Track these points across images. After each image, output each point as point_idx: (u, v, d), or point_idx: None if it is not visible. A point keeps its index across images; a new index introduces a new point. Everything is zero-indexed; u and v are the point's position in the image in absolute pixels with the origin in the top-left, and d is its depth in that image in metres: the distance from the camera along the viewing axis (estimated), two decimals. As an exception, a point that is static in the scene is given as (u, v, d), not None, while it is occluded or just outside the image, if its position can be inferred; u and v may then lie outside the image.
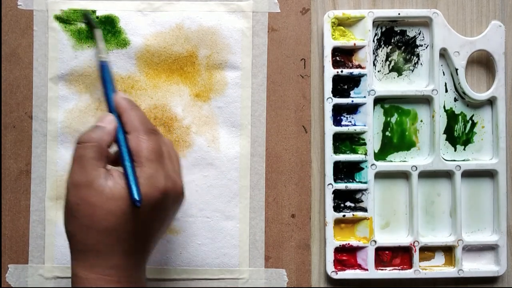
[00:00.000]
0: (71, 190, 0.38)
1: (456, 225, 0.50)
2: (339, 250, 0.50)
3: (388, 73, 0.52)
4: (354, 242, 0.50)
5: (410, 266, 0.50)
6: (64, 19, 0.50)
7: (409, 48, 0.52)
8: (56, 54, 0.50)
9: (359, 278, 0.50)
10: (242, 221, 0.50)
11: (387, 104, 0.52)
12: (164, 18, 0.50)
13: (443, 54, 0.51)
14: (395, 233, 0.51)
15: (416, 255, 0.50)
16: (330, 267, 0.50)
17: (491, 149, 0.52)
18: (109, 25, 0.50)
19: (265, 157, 0.50)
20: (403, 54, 0.52)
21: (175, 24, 0.50)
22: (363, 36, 0.51)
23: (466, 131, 0.52)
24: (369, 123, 0.50)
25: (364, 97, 0.50)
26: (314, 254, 0.51)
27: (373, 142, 0.51)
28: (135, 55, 0.50)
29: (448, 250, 0.51)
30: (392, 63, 0.52)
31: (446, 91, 0.52)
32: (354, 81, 0.51)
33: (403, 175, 0.51)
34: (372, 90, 0.50)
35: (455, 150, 0.52)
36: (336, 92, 0.51)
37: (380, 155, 0.51)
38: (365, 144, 0.51)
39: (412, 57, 0.52)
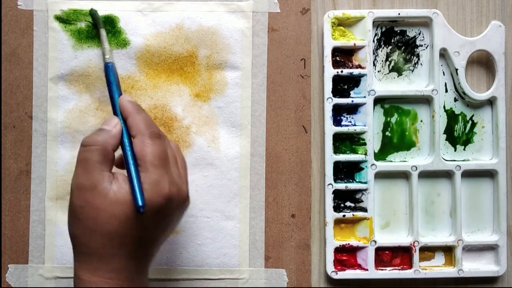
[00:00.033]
0: (75, 193, 0.38)
1: (456, 225, 0.50)
2: (339, 250, 0.50)
3: (388, 73, 0.52)
4: (354, 242, 0.50)
5: (410, 266, 0.50)
6: (64, 19, 0.50)
7: (409, 48, 0.52)
8: (56, 54, 0.50)
9: (359, 278, 0.50)
10: (242, 221, 0.50)
11: (387, 104, 0.52)
12: (164, 18, 0.50)
13: (443, 54, 0.51)
14: (395, 233, 0.51)
15: (416, 255, 0.50)
16: (330, 267, 0.50)
17: (491, 149, 0.52)
18: (109, 25, 0.50)
19: (265, 157, 0.50)
20: (403, 54, 0.52)
21: (175, 24, 0.50)
22: (363, 36, 0.51)
23: (466, 131, 0.52)
24: (369, 123, 0.50)
25: (364, 97, 0.50)
26: (314, 254, 0.51)
27: (373, 142, 0.51)
28: (135, 55, 0.50)
29: (448, 250, 0.51)
30: (392, 63, 0.52)
31: (446, 91, 0.52)
32: (354, 81, 0.51)
33: (403, 175, 0.51)
34: (372, 90, 0.50)
35: (455, 150, 0.52)
36: (336, 92, 0.51)
37: (380, 155, 0.51)
38: (365, 144, 0.51)
39: (412, 57, 0.52)
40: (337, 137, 0.51)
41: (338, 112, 0.51)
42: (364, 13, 0.50)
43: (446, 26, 0.51)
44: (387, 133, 0.52)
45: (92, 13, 0.49)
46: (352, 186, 0.50)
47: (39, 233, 0.50)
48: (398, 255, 0.51)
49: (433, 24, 0.51)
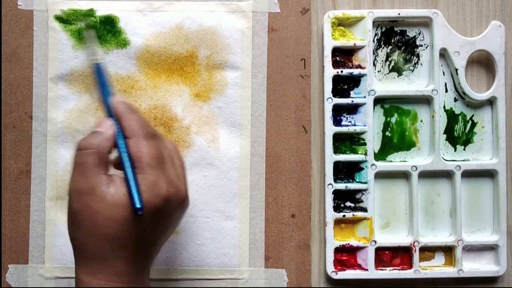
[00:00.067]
0: (73, 197, 0.38)
1: (456, 225, 0.50)
2: (339, 250, 0.50)
3: (388, 73, 0.52)
4: (354, 242, 0.50)
5: (410, 266, 0.50)
6: (64, 19, 0.50)
7: (409, 48, 0.52)
8: (56, 54, 0.50)
9: (359, 278, 0.50)
10: (242, 221, 0.50)
11: (387, 104, 0.52)
12: (164, 18, 0.50)
13: (443, 54, 0.51)
14: (395, 233, 0.51)
15: (416, 255, 0.50)
16: (330, 267, 0.50)
17: (491, 149, 0.52)
18: (109, 25, 0.50)
19: (265, 157, 0.50)
20: (403, 54, 0.52)
21: (175, 24, 0.50)
22: (363, 36, 0.51)
23: (466, 131, 0.52)
24: (369, 123, 0.50)
25: (364, 97, 0.50)
26: (314, 254, 0.51)
27: (373, 142, 0.51)
28: (135, 55, 0.50)
29: (448, 250, 0.51)
30: (392, 63, 0.52)
31: (446, 91, 0.52)
32: (354, 81, 0.51)
33: (403, 175, 0.51)
34: (372, 90, 0.50)
35: (455, 150, 0.52)
36: (336, 92, 0.51)
37: (380, 155, 0.51)
38: (365, 144, 0.51)
39: (412, 57, 0.52)
40: (337, 137, 0.51)
41: (338, 112, 0.51)
42: (364, 13, 0.50)
43: (446, 26, 0.51)
44: (387, 133, 0.52)
45: (85, 14, 0.49)
46: (352, 186, 0.50)
47: (39, 233, 0.50)
48: (398, 255, 0.51)
49: (433, 24, 0.51)
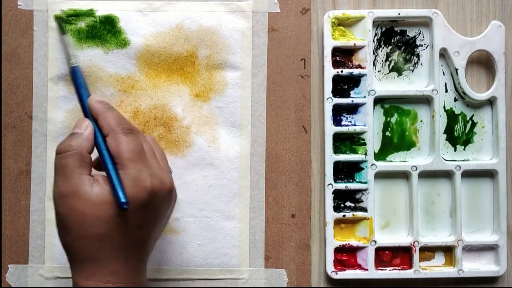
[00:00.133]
0: (58, 202, 0.38)
1: (456, 225, 0.50)
2: (339, 250, 0.50)
3: (388, 73, 0.52)
4: (354, 242, 0.50)
5: (410, 266, 0.50)
6: (64, 19, 0.50)
7: (409, 48, 0.52)
8: (56, 54, 0.50)
9: (359, 278, 0.50)
10: (242, 221, 0.50)
11: (387, 104, 0.52)
12: (164, 18, 0.50)
13: (443, 54, 0.51)
14: (395, 233, 0.51)
15: (416, 255, 0.50)
16: (330, 267, 0.50)
17: (491, 149, 0.52)
18: (109, 25, 0.50)
19: (265, 157, 0.50)
20: (403, 54, 0.52)
21: (175, 24, 0.50)
22: (363, 36, 0.51)
23: (466, 131, 0.52)
24: (369, 123, 0.50)
25: (364, 97, 0.50)
26: (314, 254, 0.51)
27: (373, 142, 0.51)
28: (135, 55, 0.50)
29: (448, 250, 0.51)
30: (392, 63, 0.52)
31: (446, 91, 0.52)
32: (354, 81, 0.51)
33: (403, 175, 0.51)
34: (372, 90, 0.50)
35: (455, 150, 0.52)
36: (336, 92, 0.51)
37: (380, 155, 0.51)
38: (365, 144, 0.51)
39: (412, 57, 0.52)
40: (337, 137, 0.51)
41: (338, 112, 0.51)
42: (364, 13, 0.50)
43: (446, 26, 0.51)
44: (387, 133, 0.52)
45: (57, 18, 0.49)
46: (352, 186, 0.50)
47: (39, 233, 0.50)
48: (398, 255, 0.51)
49: (433, 24, 0.51)
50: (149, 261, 0.42)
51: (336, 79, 0.51)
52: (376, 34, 0.52)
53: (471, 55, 0.51)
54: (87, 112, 0.41)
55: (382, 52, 0.52)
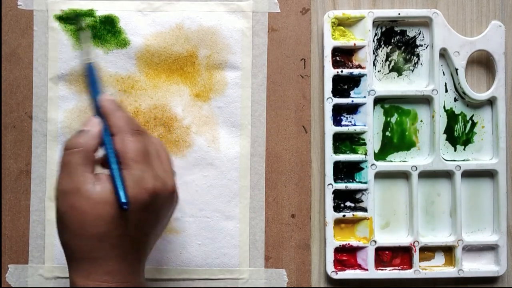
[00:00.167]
0: (59, 199, 0.38)
1: (456, 225, 0.50)
2: (339, 250, 0.50)
3: (388, 73, 0.52)
4: (354, 242, 0.50)
5: (410, 266, 0.50)
6: (64, 19, 0.50)
7: (409, 48, 0.52)
8: (56, 54, 0.50)
9: (359, 278, 0.50)
10: (242, 221, 0.50)
11: (387, 104, 0.52)
12: (164, 18, 0.50)
13: (443, 54, 0.51)
14: (395, 233, 0.51)
15: (416, 255, 0.50)
16: (330, 267, 0.50)
17: (491, 149, 0.52)
18: (109, 25, 0.50)
19: (265, 157, 0.50)
20: (403, 54, 0.52)
21: (175, 24, 0.50)
22: (363, 36, 0.51)
23: (466, 131, 0.52)
24: (369, 123, 0.50)
25: (364, 97, 0.50)
26: (314, 254, 0.51)
27: (373, 142, 0.51)
28: (135, 55, 0.50)
29: (448, 250, 0.51)
30: (392, 63, 0.52)
31: (446, 91, 0.52)
32: (354, 81, 0.51)
33: (403, 175, 0.51)
34: (372, 90, 0.50)
35: (455, 150, 0.52)
36: (336, 92, 0.51)
37: (380, 155, 0.51)
38: (365, 144, 0.51)
39: (412, 57, 0.52)
40: (337, 137, 0.51)
41: (338, 112, 0.51)
42: (364, 13, 0.50)
43: (446, 26, 0.51)
44: (387, 133, 0.52)
45: (76, 15, 0.49)
46: (352, 186, 0.50)
47: (39, 233, 0.50)
48: (398, 255, 0.51)
49: (433, 24, 0.51)
50: (149, 261, 0.42)
51: (336, 79, 0.51)
52: (376, 34, 0.52)
53: (471, 55, 0.51)
54: (97, 110, 0.41)
55: (382, 52, 0.52)
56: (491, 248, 0.51)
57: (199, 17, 0.50)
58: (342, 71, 0.50)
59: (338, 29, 0.51)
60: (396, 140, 0.52)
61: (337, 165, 0.51)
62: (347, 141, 0.51)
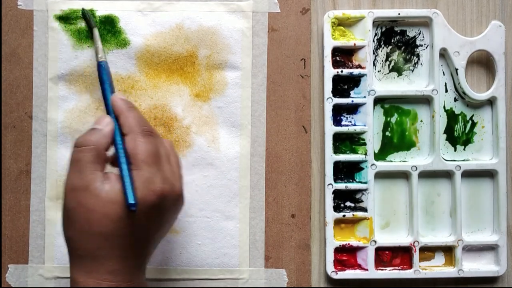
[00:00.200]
0: (68, 195, 0.38)
1: (456, 225, 0.50)
2: (339, 250, 0.50)
3: (388, 73, 0.52)
4: (354, 242, 0.50)
5: (410, 266, 0.50)
6: (64, 19, 0.50)
7: (409, 48, 0.52)
8: (56, 54, 0.50)
9: (359, 278, 0.50)
10: (242, 221, 0.50)
11: (387, 104, 0.52)
12: (164, 18, 0.50)
13: (443, 54, 0.51)
14: (395, 233, 0.51)
15: (416, 255, 0.50)
16: (330, 267, 0.50)
17: (491, 149, 0.52)
18: (109, 25, 0.50)
19: (265, 157, 0.50)
20: (403, 54, 0.52)
21: (175, 24, 0.50)
22: (363, 36, 0.51)
23: (466, 131, 0.52)
24: (369, 123, 0.50)
25: (364, 97, 0.50)
26: (314, 254, 0.51)
27: (373, 142, 0.51)
28: (135, 55, 0.50)
29: (448, 250, 0.51)
30: (392, 63, 0.52)
31: (446, 91, 0.52)
32: (354, 81, 0.51)
33: (403, 175, 0.51)
34: (372, 90, 0.50)
35: (455, 150, 0.52)
36: (336, 92, 0.51)
37: (380, 155, 0.51)
38: (365, 144, 0.51)
39: (412, 57, 0.52)
40: (337, 137, 0.51)
41: (338, 112, 0.51)
42: (364, 13, 0.50)
43: (446, 26, 0.51)
44: (387, 133, 0.52)
45: (84, 13, 0.49)
46: (352, 186, 0.50)
47: (39, 233, 0.50)
48: (398, 255, 0.51)
49: (433, 24, 0.51)
50: (149, 261, 0.42)
51: (336, 79, 0.51)
52: (376, 34, 0.52)
53: (471, 55, 0.51)
54: (109, 108, 0.41)
55: (382, 52, 0.52)
56: (491, 248, 0.51)
57: (199, 17, 0.50)
58: (342, 71, 0.50)
59: (338, 29, 0.51)
60: (396, 140, 0.52)
61: (337, 165, 0.51)
62: (347, 141, 0.51)
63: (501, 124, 0.51)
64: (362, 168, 0.51)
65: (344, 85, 0.51)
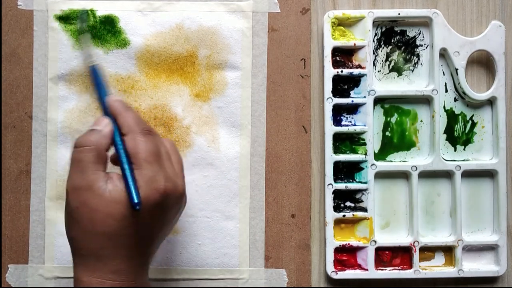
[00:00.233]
0: (70, 195, 0.38)
1: (456, 225, 0.50)
2: (339, 250, 0.50)
3: (388, 73, 0.52)
4: (354, 242, 0.50)
5: (410, 266, 0.50)
6: (64, 19, 0.50)
7: (409, 48, 0.52)
8: (56, 54, 0.50)
9: (359, 278, 0.50)
10: (242, 221, 0.50)
11: (387, 104, 0.52)
12: (164, 18, 0.50)
13: (443, 54, 0.51)
14: (395, 233, 0.51)
15: (416, 255, 0.50)
16: (330, 267, 0.50)
17: (491, 149, 0.52)
18: (109, 25, 0.50)
19: (265, 157, 0.50)
20: (403, 54, 0.52)
21: (175, 24, 0.50)
22: (363, 36, 0.51)
23: (466, 131, 0.52)
24: (369, 123, 0.50)
25: (364, 97, 0.50)
26: (314, 254, 0.51)
27: (373, 142, 0.51)
28: (135, 55, 0.50)
29: (448, 250, 0.51)
30: (392, 63, 0.52)
31: (446, 91, 0.52)
32: (354, 81, 0.51)
33: (403, 175, 0.51)
34: (372, 90, 0.50)
35: (455, 150, 0.52)
36: (336, 92, 0.51)
37: (380, 155, 0.51)
38: (365, 144, 0.51)
39: (412, 57, 0.52)
40: (337, 137, 0.51)
41: (338, 112, 0.51)
42: (364, 13, 0.50)
43: (446, 26, 0.51)
44: (387, 133, 0.52)
45: (81, 16, 0.49)
46: (352, 186, 0.50)
47: (39, 233, 0.50)
48: (398, 255, 0.51)
49: (433, 24, 0.51)
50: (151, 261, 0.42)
51: (336, 79, 0.51)
52: (376, 34, 0.52)
53: (471, 55, 0.51)
54: (106, 110, 0.41)
55: (382, 52, 0.52)
56: (491, 248, 0.51)
57: (199, 17, 0.50)
58: (342, 71, 0.50)
59: (338, 29, 0.51)
60: (396, 140, 0.52)
61: (337, 165, 0.51)
62: (347, 141, 0.51)
63: (501, 124, 0.51)
64: (362, 168, 0.51)
65: (344, 85, 0.51)
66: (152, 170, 0.38)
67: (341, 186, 0.50)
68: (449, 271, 0.50)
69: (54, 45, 0.50)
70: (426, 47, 0.52)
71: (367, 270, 0.50)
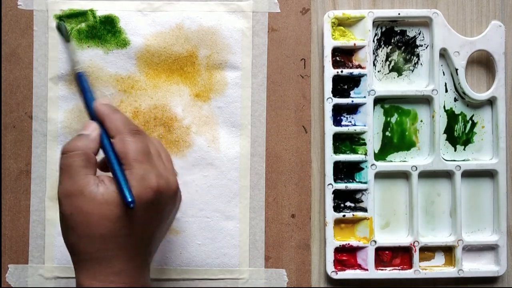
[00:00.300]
0: (63, 201, 0.38)
1: (456, 225, 0.50)
2: (339, 250, 0.50)
3: (388, 73, 0.52)
4: (354, 242, 0.50)
5: (410, 266, 0.50)
6: (64, 19, 0.50)
7: (409, 48, 0.52)
8: (56, 54, 0.50)
9: (359, 278, 0.50)
10: (242, 221, 0.50)
11: (387, 104, 0.52)
12: (164, 18, 0.50)
13: (443, 54, 0.51)
14: (395, 233, 0.51)
15: (416, 255, 0.50)
16: (330, 267, 0.50)
17: (491, 149, 0.52)
18: (109, 25, 0.50)
19: (265, 157, 0.50)
20: (403, 54, 0.52)
21: (175, 24, 0.50)
22: (363, 36, 0.51)
23: (466, 131, 0.52)
24: (369, 123, 0.50)
25: (364, 97, 0.50)
26: (314, 254, 0.51)
27: (373, 142, 0.51)
28: (135, 55, 0.50)
29: (448, 250, 0.51)
30: (392, 63, 0.52)
31: (446, 91, 0.52)
32: (354, 81, 0.51)
33: (403, 175, 0.51)
34: (372, 90, 0.50)
35: (455, 150, 0.52)
36: (336, 92, 0.51)
37: (380, 155, 0.51)
38: (365, 144, 0.51)
39: (412, 57, 0.52)
40: (337, 137, 0.51)
41: (338, 112, 0.51)
42: (364, 13, 0.50)
43: (446, 26, 0.51)
44: (387, 133, 0.52)
45: (59, 26, 0.49)
46: (352, 186, 0.50)
47: (39, 233, 0.50)
48: (398, 255, 0.51)
49: (433, 24, 0.51)
50: (152, 261, 0.42)
51: (336, 79, 0.51)
52: (376, 34, 0.52)
53: (471, 55, 0.51)
54: (93, 115, 0.41)
55: (382, 52, 0.52)
56: (491, 248, 0.51)
57: (199, 17, 0.50)
58: (342, 71, 0.50)
59: (338, 29, 0.51)
60: (396, 140, 0.52)
61: (337, 165, 0.51)
62: (347, 141, 0.51)
63: (501, 124, 0.51)
64: (362, 168, 0.51)
65: (344, 85, 0.51)
66: (143, 168, 0.38)
67: (341, 186, 0.50)
68: (449, 271, 0.50)
69: (54, 45, 0.50)
70: (426, 47, 0.52)
71: (367, 270, 0.50)
